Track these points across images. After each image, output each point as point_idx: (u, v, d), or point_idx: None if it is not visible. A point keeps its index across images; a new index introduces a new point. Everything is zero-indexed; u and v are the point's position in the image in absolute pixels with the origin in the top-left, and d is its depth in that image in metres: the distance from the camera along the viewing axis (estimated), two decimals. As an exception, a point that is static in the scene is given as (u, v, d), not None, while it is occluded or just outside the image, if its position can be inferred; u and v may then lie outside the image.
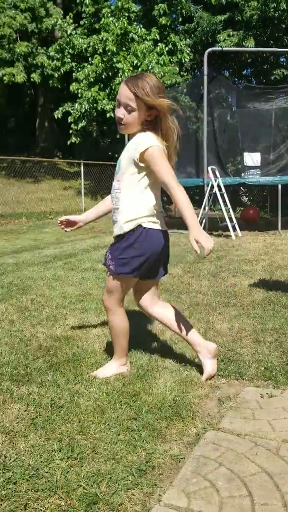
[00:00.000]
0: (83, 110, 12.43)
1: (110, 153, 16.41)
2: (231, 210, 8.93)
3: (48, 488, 1.59)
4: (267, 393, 2.26)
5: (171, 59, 14.03)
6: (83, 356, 2.72)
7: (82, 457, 1.77)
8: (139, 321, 3.34)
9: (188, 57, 14.68)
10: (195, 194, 12.48)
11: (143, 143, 2.17)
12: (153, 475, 1.67)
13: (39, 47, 14.21)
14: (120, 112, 2.19)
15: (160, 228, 2.32)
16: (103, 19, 12.61)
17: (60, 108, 13.21)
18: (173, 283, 4.48)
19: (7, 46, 13.18)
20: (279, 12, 14.25)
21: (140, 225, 2.26)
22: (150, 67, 12.15)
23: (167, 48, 13.75)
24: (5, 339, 2.98)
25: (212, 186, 8.86)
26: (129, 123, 2.22)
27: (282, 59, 16.56)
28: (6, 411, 2.08)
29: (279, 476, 1.64)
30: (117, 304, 2.41)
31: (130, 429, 1.95)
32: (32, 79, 14.05)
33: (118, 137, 15.19)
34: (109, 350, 2.80)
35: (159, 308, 2.48)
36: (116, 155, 14.85)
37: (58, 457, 1.77)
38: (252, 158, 10.61)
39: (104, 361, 2.64)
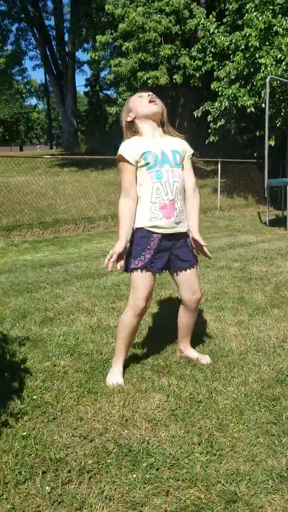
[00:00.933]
0: (223, 108, 12.37)
1: (249, 151, 16.09)
2: None
3: (189, 479, 1.64)
4: None
5: None
6: (220, 354, 2.73)
7: (221, 454, 1.78)
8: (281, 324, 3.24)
9: None
10: None
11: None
12: (295, 483, 1.62)
13: (181, 49, 14.49)
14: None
15: None
16: (246, 14, 12.38)
17: (200, 107, 13.31)
18: None
19: (152, 50, 13.67)
20: None
21: None
22: (295, 60, 11.61)
23: (314, 39, 12.99)
24: (146, 330, 3.12)
25: None
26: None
27: None
28: (149, 400, 2.18)
29: None
30: None
31: (269, 433, 1.91)
32: (174, 80, 14.38)
33: (257, 134, 14.82)
34: (246, 351, 2.77)
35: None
36: (256, 153, 14.50)
37: (198, 450, 1.80)
38: None
39: (241, 362, 2.61)
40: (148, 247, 2.33)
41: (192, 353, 2.68)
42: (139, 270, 2.32)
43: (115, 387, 2.28)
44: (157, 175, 2.32)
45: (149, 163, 2.32)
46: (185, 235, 2.45)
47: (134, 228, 2.35)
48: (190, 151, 2.51)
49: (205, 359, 2.61)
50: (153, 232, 2.34)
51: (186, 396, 2.20)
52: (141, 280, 2.33)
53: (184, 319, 2.64)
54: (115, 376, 2.37)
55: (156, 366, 2.54)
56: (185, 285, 2.50)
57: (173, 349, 2.79)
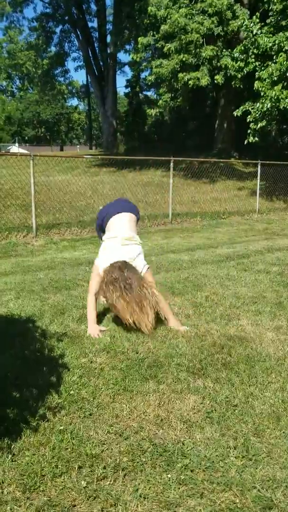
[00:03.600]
0: (265, 109, 12.19)
1: (286, 152, 15.80)
2: None
3: (224, 483, 1.63)
4: None
5: None
6: (257, 359, 2.69)
7: (257, 459, 1.76)
8: None
9: None
10: None
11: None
12: None
13: (223, 50, 14.38)
14: None
15: None
16: (291, 14, 12.17)
17: (241, 107, 13.18)
18: None
19: (193, 51, 13.64)
20: None
21: None
22: None
23: None
24: (181, 332, 3.12)
25: None
26: None
27: None
28: (184, 401, 2.18)
29: None
30: None
31: (307, 441, 1.87)
32: (215, 81, 14.29)
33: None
34: (284, 357, 2.72)
35: None
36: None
37: (233, 454, 1.79)
38: None
39: (279, 367, 2.57)
40: None
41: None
42: None
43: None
44: None
45: None
46: None
47: None
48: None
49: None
50: None
51: (222, 399, 2.19)
52: None
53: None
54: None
55: (192, 368, 2.54)
56: None
57: (209, 351, 2.78)
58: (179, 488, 1.61)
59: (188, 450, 1.81)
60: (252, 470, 1.70)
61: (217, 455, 1.78)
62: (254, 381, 2.40)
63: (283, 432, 1.93)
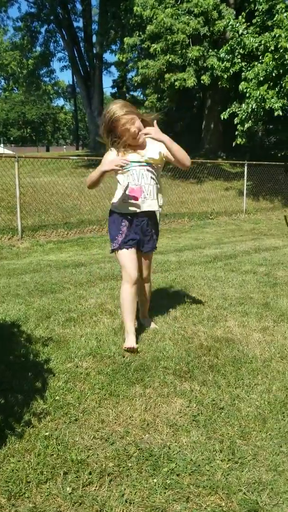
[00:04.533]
0: (250, 110, 12.25)
1: (273, 152, 15.90)
2: None
3: (210, 487, 1.63)
4: None
5: None
6: (244, 360, 2.70)
7: (243, 462, 1.76)
8: (304, 331, 3.19)
9: None
10: None
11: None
12: None
13: (210, 50, 14.42)
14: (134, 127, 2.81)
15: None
16: (276, 15, 12.24)
17: (227, 110, 13.23)
18: None
19: (179, 51, 13.66)
20: None
21: None
22: None
23: None
24: (169, 334, 3.12)
25: None
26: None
27: None
28: (170, 404, 2.17)
29: None
30: None
31: (293, 443, 1.88)
32: (202, 81, 14.32)
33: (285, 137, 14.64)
34: (271, 358, 2.74)
35: None
36: (282, 153, 14.30)
37: (219, 457, 1.79)
38: None
39: (265, 369, 2.58)
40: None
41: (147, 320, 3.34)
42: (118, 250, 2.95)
43: (131, 350, 2.74)
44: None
45: None
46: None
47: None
48: None
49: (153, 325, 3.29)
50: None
51: (208, 402, 2.19)
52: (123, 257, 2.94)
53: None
54: (131, 341, 2.80)
55: (178, 371, 2.54)
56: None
57: (196, 354, 2.78)
58: (165, 493, 1.60)
59: (174, 454, 1.81)
60: (238, 473, 1.70)
61: (203, 459, 1.78)
62: (241, 383, 2.40)
63: (269, 435, 1.94)
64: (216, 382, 2.41)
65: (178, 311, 3.65)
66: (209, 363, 2.64)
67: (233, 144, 13.33)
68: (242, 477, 1.68)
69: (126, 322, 2.89)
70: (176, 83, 13.79)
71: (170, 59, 13.71)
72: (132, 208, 2.88)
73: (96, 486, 1.64)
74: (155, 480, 1.66)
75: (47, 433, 1.93)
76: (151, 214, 2.95)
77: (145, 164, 2.88)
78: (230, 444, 1.87)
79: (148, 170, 2.88)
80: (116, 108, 2.76)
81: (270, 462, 1.76)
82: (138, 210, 2.88)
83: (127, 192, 2.86)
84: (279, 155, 14.39)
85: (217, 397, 2.24)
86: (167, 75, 13.99)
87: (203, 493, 1.60)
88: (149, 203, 2.89)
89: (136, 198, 2.86)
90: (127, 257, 2.90)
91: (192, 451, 1.83)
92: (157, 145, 2.87)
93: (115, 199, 2.95)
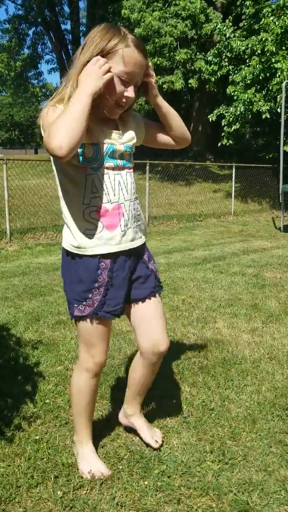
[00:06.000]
0: (238, 113, 12.34)
1: (261, 155, 16.00)
2: None
3: (200, 488, 1.63)
4: None
5: None
6: (233, 361, 2.72)
7: (234, 463, 1.77)
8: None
9: None
10: None
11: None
12: (308, 495, 1.60)
13: (197, 53, 14.50)
14: (132, 92, 1.58)
15: None
16: (263, 19, 12.36)
17: (215, 111, 13.31)
18: None
19: (167, 54, 13.72)
20: None
21: None
22: (311, 65, 11.55)
23: None
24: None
25: None
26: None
27: None
28: (161, 406, 2.18)
29: None
30: None
31: (282, 443, 1.90)
32: (190, 85, 14.39)
33: (272, 139, 14.75)
34: (260, 359, 2.75)
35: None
36: (269, 156, 14.43)
37: (210, 459, 1.80)
38: None
39: (254, 370, 2.60)
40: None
41: (139, 423, 1.91)
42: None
43: (98, 476, 1.68)
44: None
45: None
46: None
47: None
48: None
49: (157, 437, 1.89)
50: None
51: (198, 404, 2.20)
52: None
53: (141, 374, 1.86)
54: (90, 462, 1.73)
55: (168, 373, 2.54)
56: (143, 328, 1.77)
57: (186, 355, 2.79)
58: (156, 495, 1.61)
59: (164, 456, 1.81)
60: (228, 474, 1.71)
61: (193, 460, 1.79)
62: (230, 384, 2.42)
63: (259, 435, 1.95)
64: (206, 383, 2.42)
65: (167, 313, 3.66)
66: (199, 365, 2.65)
67: (219, 144, 13.39)
68: (232, 478, 1.69)
69: (83, 430, 1.78)
70: (164, 85, 13.84)
71: (158, 62, 13.76)
72: (106, 247, 1.61)
73: (87, 490, 1.64)
74: (146, 483, 1.66)
75: (37, 437, 1.93)
76: (139, 248, 1.73)
77: (124, 163, 1.64)
78: (221, 445, 1.88)
79: (128, 173, 1.66)
80: (135, 40, 1.53)
81: (260, 463, 1.78)
82: (115, 249, 1.62)
83: (91, 217, 1.60)
84: (267, 157, 14.47)
85: (207, 399, 2.25)
86: (155, 78, 14.04)
87: (194, 495, 1.61)
88: (132, 234, 1.66)
89: (112, 227, 1.61)
90: (100, 332, 1.68)
91: (183, 453, 1.83)
92: (132, 119, 1.73)
93: (73, 231, 1.62)
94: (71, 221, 1.63)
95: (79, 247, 1.61)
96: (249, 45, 12.48)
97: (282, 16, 11.91)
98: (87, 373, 1.71)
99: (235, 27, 13.54)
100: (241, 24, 13.62)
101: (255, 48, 12.25)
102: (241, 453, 1.83)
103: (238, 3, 14.03)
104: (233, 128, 12.79)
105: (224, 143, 13.24)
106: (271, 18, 12.05)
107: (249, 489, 1.64)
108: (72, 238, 1.62)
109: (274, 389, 2.36)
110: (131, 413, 1.93)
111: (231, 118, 12.57)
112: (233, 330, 3.29)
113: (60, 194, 1.66)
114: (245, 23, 13.47)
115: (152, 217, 10.29)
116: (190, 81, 14.40)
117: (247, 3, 13.05)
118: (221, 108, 13.16)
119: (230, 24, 13.28)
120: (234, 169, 12.58)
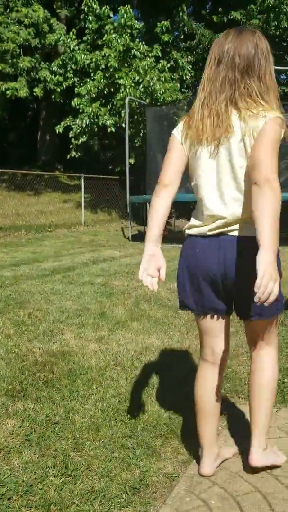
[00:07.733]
0: (84, 125, 12.55)
1: (110, 167, 16.52)
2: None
3: (42, 505, 1.60)
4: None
5: (173, 76, 14.22)
6: (79, 372, 2.73)
7: (76, 474, 1.77)
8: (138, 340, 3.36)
9: (189, 74, 14.89)
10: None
11: None
12: (147, 493, 1.68)
13: (42, 62, 14.39)
14: None
15: None
16: (106, 35, 12.81)
17: (62, 123, 13.34)
18: (170, 298, 4.49)
19: (10, 60, 13.35)
20: (280, 30, 14.48)
21: None
22: (151, 84, 12.32)
23: (168, 65, 13.95)
24: (1, 354, 2.99)
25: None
26: None
27: (282, 77, 16.75)
28: (1, 427, 2.08)
29: (272, 496, 1.64)
30: None
31: (124, 447, 1.96)
32: (34, 94, 14.20)
33: (118, 152, 15.32)
34: (105, 367, 2.81)
35: None
36: (118, 169, 14.96)
37: (52, 474, 1.77)
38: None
39: (100, 378, 2.65)
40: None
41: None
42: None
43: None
44: None
45: None
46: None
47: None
48: None
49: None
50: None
51: (42, 419, 2.15)
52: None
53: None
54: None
55: (11, 390, 2.45)
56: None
57: (30, 371, 2.72)
58: (-5, 522, 1.53)
59: (5, 478, 1.73)
60: (71, 486, 1.71)
61: (35, 478, 1.74)
62: (76, 395, 2.42)
63: (102, 442, 1.99)
64: (50, 397, 2.38)
65: (12, 328, 3.53)
66: (43, 379, 2.60)
67: (68, 156, 13.49)
68: (75, 490, 1.69)
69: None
70: (8, 92, 13.45)
71: (0, 68, 13.33)
72: None
73: None
74: (-16, 511, 1.57)
75: None
76: None
77: None
78: (64, 458, 1.87)
79: None
80: None
81: (102, 470, 1.81)
82: None
83: None
84: (116, 169, 14.99)
85: (51, 413, 2.22)
86: (-2, 84, 13.57)
87: (35, 514, 1.57)
88: None
89: None
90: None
91: (24, 472, 1.77)
92: None
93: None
94: None
95: None
96: (94, 59, 12.82)
97: (124, 35, 12.50)
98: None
99: (80, 40, 13.80)
100: (85, 38, 13.93)
101: (99, 63, 12.62)
102: (84, 463, 1.84)
103: (81, 17, 14.34)
104: (80, 141, 12.97)
105: (73, 155, 13.35)
106: (114, 35, 12.56)
107: (91, 498, 1.65)
108: None
109: (118, 394, 2.43)
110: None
111: (78, 131, 12.74)
112: (80, 340, 3.31)
113: None
114: (89, 38, 13.81)
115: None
116: (35, 90, 14.22)
117: (90, 18, 13.41)
118: (68, 119, 13.26)
119: (74, 37, 13.48)
120: (83, 180, 12.76)
